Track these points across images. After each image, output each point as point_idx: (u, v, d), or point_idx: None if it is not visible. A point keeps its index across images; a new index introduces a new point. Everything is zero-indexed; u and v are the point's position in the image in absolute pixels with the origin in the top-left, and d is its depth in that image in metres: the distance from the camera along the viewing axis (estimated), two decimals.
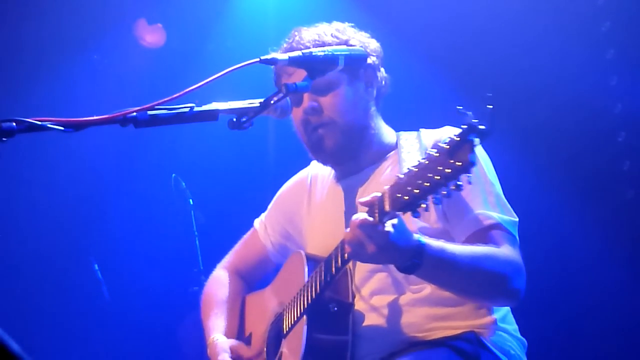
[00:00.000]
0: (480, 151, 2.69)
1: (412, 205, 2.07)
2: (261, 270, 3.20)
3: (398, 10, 4.67)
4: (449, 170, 1.97)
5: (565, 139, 4.45)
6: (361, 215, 2.22)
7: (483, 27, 4.54)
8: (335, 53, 2.48)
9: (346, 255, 2.39)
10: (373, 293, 2.62)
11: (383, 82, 2.84)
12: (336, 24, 2.83)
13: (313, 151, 2.80)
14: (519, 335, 2.69)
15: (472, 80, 4.40)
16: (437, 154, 2.01)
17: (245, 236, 3.23)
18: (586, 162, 4.40)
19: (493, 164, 2.73)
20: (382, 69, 2.85)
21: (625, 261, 4.25)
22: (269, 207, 3.18)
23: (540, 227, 4.29)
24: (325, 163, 2.86)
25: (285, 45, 2.80)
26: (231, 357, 2.88)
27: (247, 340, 2.99)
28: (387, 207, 2.14)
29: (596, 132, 4.41)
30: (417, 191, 2.04)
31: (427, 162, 2.03)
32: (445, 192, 2.01)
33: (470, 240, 2.53)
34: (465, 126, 1.94)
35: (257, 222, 3.20)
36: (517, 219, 2.61)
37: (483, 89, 4.35)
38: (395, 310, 2.59)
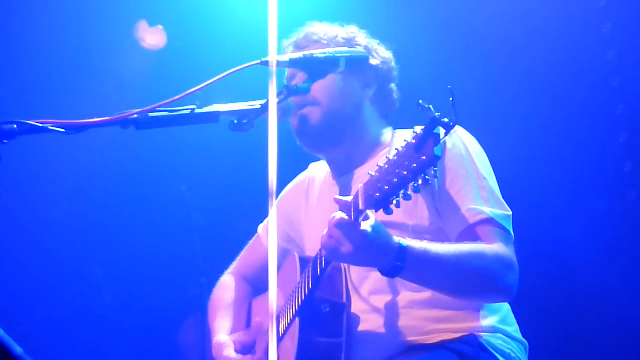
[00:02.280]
0: (474, 146, 2.68)
1: (384, 202, 2.08)
2: (266, 274, 3.20)
3: (398, 11, 4.67)
4: (415, 165, 1.99)
5: (567, 140, 4.44)
6: (338, 214, 2.23)
7: (483, 28, 4.53)
8: (337, 55, 2.48)
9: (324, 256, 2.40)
10: (371, 293, 2.60)
11: (386, 92, 2.84)
12: (349, 27, 2.84)
13: (298, 134, 2.79)
14: (519, 336, 2.68)
15: (471, 81, 4.38)
16: (405, 150, 2.03)
17: (250, 241, 3.25)
18: (587, 164, 4.39)
19: (492, 162, 2.71)
20: (394, 85, 2.86)
21: (628, 263, 4.24)
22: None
23: (541, 230, 4.28)
24: (308, 146, 2.84)
25: (292, 39, 2.82)
26: (236, 351, 2.88)
27: (253, 343, 2.99)
28: (361, 205, 2.14)
29: (597, 134, 4.40)
30: (387, 187, 2.06)
31: (395, 158, 2.05)
32: (414, 188, 2.02)
33: (463, 236, 2.51)
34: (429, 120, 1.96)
35: (260, 228, 3.22)
36: (510, 213, 2.59)
37: (482, 91, 4.39)
38: (393, 312, 2.57)
